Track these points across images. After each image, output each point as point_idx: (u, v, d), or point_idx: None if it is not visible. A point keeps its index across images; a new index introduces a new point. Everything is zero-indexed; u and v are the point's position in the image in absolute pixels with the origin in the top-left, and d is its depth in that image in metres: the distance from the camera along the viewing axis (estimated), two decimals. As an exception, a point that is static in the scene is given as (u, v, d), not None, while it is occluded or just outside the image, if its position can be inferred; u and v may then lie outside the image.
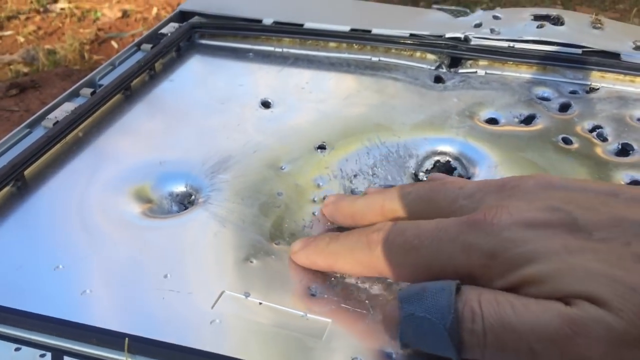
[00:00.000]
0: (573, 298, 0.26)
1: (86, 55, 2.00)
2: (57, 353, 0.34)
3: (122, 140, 0.53)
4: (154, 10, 2.20)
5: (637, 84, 0.58)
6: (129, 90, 0.59)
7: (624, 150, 0.50)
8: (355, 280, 0.40)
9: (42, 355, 0.33)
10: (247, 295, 0.38)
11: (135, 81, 0.59)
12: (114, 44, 2.07)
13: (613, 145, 0.51)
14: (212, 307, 0.36)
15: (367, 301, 0.38)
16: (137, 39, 0.64)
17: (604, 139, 0.52)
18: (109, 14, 2.20)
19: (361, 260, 0.36)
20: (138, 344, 0.33)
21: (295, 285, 0.39)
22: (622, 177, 0.47)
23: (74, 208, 0.45)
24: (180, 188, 0.48)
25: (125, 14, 2.18)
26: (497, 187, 0.33)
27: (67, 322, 0.34)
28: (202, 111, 0.56)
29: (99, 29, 2.13)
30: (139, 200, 0.46)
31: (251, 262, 0.41)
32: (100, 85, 0.57)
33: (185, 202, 0.48)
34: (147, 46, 0.63)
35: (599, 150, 0.50)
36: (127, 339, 0.32)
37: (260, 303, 0.37)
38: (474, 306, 0.28)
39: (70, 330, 0.34)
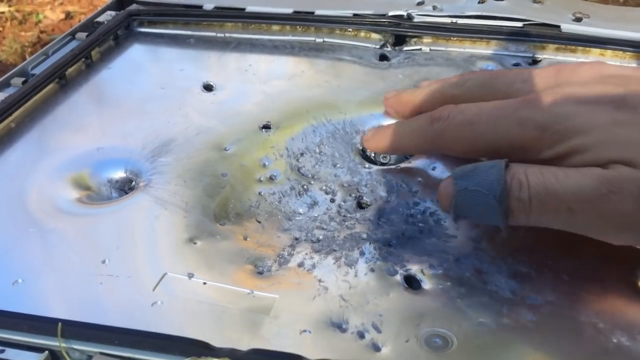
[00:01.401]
0: (612, 163, 0.29)
1: (28, 57, 1.94)
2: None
3: (58, 129, 0.51)
4: (99, 12, 2.15)
5: (577, 53, 0.59)
6: (63, 79, 0.56)
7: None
8: (304, 257, 0.39)
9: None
10: (190, 276, 0.36)
11: (70, 70, 0.57)
12: (58, 46, 2.01)
13: (556, 112, 0.51)
14: (154, 290, 0.35)
15: (315, 276, 0.37)
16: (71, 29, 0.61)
17: (547, 107, 0.52)
18: (52, 16, 2.13)
19: (423, 137, 0.39)
20: (72, 328, 0.31)
21: (242, 264, 0.38)
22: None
23: (7, 199, 0.43)
24: (119, 174, 0.46)
25: (68, 16, 2.12)
26: (554, 71, 0.36)
27: (-5, 311, 0.32)
28: (141, 97, 0.54)
29: (42, 32, 2.07)
30: (77, 188, 0.44)
31: (195, 243, 0.39)
32: (33, 75, 0.55)
33: (125, 187, 0.46)
34: (82, 35, 0.61)
35: (542, 118, 0.50)
36: (59, 324, 0.30)
37: (205, 283, 0.36)
38: (521, 178, 0.31)
39: None
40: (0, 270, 0.36)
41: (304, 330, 0.33)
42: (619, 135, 0.29)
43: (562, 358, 0.31)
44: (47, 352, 0.31)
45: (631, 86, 0.31)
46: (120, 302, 0.34)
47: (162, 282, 0.35)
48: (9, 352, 0.31)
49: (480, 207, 0.32)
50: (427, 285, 0.36)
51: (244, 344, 0.31)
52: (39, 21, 2.16)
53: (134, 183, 0.45)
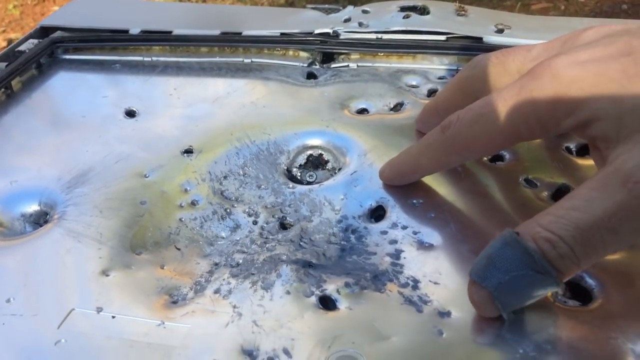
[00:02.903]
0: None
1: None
2: None
3: (-29, 164, 0.49)
4: (44, 39, 2.12)
5: (499, 64, 0.59)
6: (-20, 111, 0.55)
7: (487, 127, 0.51)
8: (221, 283, 0.38)
9: None
10: (99, 310, 0.35)
11: (-12, 101, 0.56)
12: None
13: (477, 123, 0.51)
14: (59, 327, 0.34)
15: (230, 302, 0.37)
16: (-10, 58, 0.60)
17: (468, 118, 0.52)
18: (-6, 44, 2.09)
19: (439, 149, 0.37)
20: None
21: (156, 295, 0.37)
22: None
23: None
24: (33, 207, 0.45)
25: (10, 43, 2.08)
26: (561, 42, 0.34)
27: None
28: (60, 127, 0.53)
29: (-15, 61, 2.02)
30: (-12, 225, 0.43)
31: (107, 275, 0.38)
32: (-54, 109, 0.53)
33: (40, 221, 0.44)
34: (1, 64, 0.59)
35: (464, 130, 0.51)
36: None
37: (114, 317, 0.35)
38: (544, 235, 0.28)
39: None
40: None
41: (214, 360, 0.32)
42: (631, 91, 0.27)
43: (474, 372, 0.31)
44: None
45: (638, 35, 0.29)
46: (22, 342, 0.33)
47: (68, 319, 0.34)
48: None
49: (527, 289, 0.29)
50: (342, 304, 0.36)
51: (150, 379, 0.30)
52: (-18, 50, 2.11)
53: (48, 216, 0.44)
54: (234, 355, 0.32)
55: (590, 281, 0.35)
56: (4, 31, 2.15)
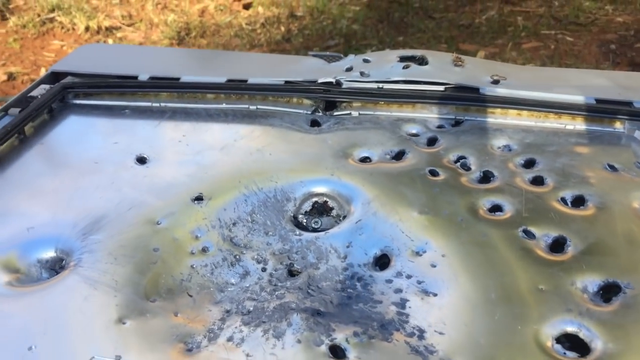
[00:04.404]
0: None
1: (-30, 122, 1.90)
2: None
3: (-13, 209, 0.51)
4: (42, 71, 2.14)
5: (496, 115, 0.62)
6: (-5, 157, 0.56)
7: (486, 177, 0.53)
8: (233, 330, 0.40)
9: None
10: (118, 358, 0.36)
11: (2, 147, 0.57)
12: (1, 108, 1.99)
13: (476, 173, 0.54)
14: (80, 376, 0.35)
15: (243, 350, 0.38)
16: (4, 104, 0.62)
17: (467, 168, 0.54)
18: (-6, 78, 2.11)
19: None
20: None
21: (171, 343, 0.38)
22: (484, 202, 0.50)
23: None
24: (49, 253, 0.46)
25: (11, 77, 2.10)
26: None
27: None
28: (74, 173, 0.55)
29: (-16, 95, 2.04)
30: (6, 271, 0.44)
31: (124, 323, 0.40)
32: (-36, 154, 0.55)
33: (56, 267, 0.46)
34: (15, 110, 0.61)
35: (463, 180, 0.53)
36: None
37: (132, 365, 0.36)
38: None
39: None
40: None
41: (229, 409, 0.33)
42: None
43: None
44: None
45: None
46: (45, 391, 0.34)
47: (89, 367, 0.35)
48: None
49: None
50: (351, 354, 0.37)
51: None
52: (-19, 83, 2.13)
53: (64, 262, 0.45)
54: (249, 404, 0.34)
55: (587, 334, 0.37)
56: (4, 64, 2.17)
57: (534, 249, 0.45)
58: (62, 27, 2.37)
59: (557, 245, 0.45)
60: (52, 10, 2.45)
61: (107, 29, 2.35)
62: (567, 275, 0.42)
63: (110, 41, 2.28)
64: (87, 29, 2.34)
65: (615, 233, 0.46)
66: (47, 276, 0.45)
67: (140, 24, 2.42)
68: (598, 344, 0.37)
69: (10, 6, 2.52)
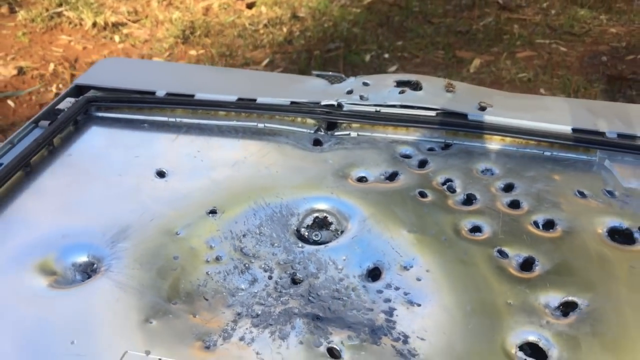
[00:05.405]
0: None
1: (-21, 114, 1.96)
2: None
3: (25, 217, 0.57)
4: (51, 66, 2.19)
5: (482, 139, 0.68)
6: (28, 166, 0.62)
7: (469, 199, 0.60)
8: (244, 331, 0.46)
9: None
10: (147, 353, 0.43)
11: (34, 158, 0.63)
12: (11, 103, 2.04)
13: (460, 196, 0.60)
14: (116, 367, 0.41)
15: (254, 349, 0.44)
16: (34, 116, 0.68)
17: (453, 190, 0.61)
18: (4, 72, 2.16)
19: None
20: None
21: (191, 340, 0.45)
22: (466, 223, 0.56)
23: (-20, 285, 0.49)
24: (82, 258, 0.52)
25: (20, 71, 2.15)
26: None
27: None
28: (101, 184, 0.61)
29: (-7, 87, 2.09)
30: (45, 274, 0.51)
31: (150, 322, 0.46)
32: (0, 164, 0.61)
33: (88, 270, 0.52)
34: (44, 123, 0.67)
35: (449, 202, 0.59)
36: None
37: (160, 359, 0.42)
38: None
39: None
40: (-19, 354, 0.42)
41: (243, 399, 0.40)
42: None
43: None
44: None
45: None
46: (88, 379, 0.41)
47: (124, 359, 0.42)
48: None
49: None
50: (345, 355, 0.44)
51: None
52: (-10, 77, 2.18)
53: (95, 266, 0.52)
54: (259, 395, 0.40)
55: (546, 343, 0.44)
56: (13, 58, 2.23)
57: (506, 267, 0.51)
58: (70, 23, 2.43)
59: (527, 265, 0.52)
60: (60, 5, 2.50)
61: (113, 24, 2.40)
62: (532, 292, 0.49)
63: (116, 37, 2.34)
64: (94, 24, 2.38)
65: (579, 255, 0.52)
66: (80, 278, 0.51)
67: (145, 20, 2.47)
68: (554, 353, 0.43)
69: None
